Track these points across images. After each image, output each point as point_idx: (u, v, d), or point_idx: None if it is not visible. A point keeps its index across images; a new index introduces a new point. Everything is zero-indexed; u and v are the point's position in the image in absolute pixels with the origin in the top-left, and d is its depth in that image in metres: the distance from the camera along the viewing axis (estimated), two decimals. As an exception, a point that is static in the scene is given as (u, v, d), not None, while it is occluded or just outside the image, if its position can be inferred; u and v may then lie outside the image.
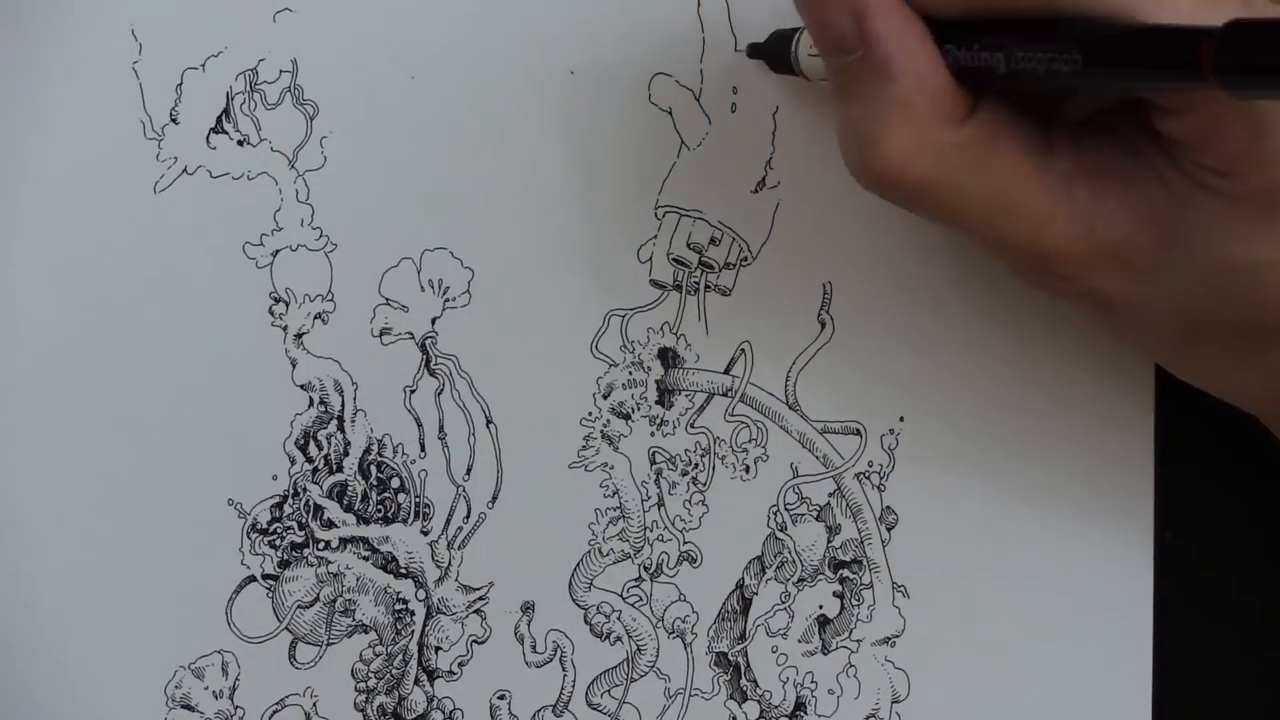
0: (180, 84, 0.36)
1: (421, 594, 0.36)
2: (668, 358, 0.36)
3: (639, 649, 0.36)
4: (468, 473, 0.36)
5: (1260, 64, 0.21)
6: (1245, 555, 0.36)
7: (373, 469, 0.36)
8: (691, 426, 0.36)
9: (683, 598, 0.36)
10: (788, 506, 0.36)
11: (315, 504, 0.36)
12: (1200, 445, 0.36)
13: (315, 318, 0.36)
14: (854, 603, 0.36)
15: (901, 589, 0.36)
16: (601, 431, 0.36)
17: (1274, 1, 0.26)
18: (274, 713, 0.36)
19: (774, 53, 0.34)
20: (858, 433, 0.36)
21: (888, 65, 0.26)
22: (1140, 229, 0.27)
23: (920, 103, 0.26)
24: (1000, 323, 0.36)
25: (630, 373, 0.36)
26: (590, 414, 0.36)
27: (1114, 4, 0.24)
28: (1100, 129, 0.28)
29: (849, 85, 0.27)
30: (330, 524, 0.36)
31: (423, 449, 0.36)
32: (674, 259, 0.36)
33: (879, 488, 0.36)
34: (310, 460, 0.36)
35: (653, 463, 0.36)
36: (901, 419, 0.36)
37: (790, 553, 0.36)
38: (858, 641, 0.36)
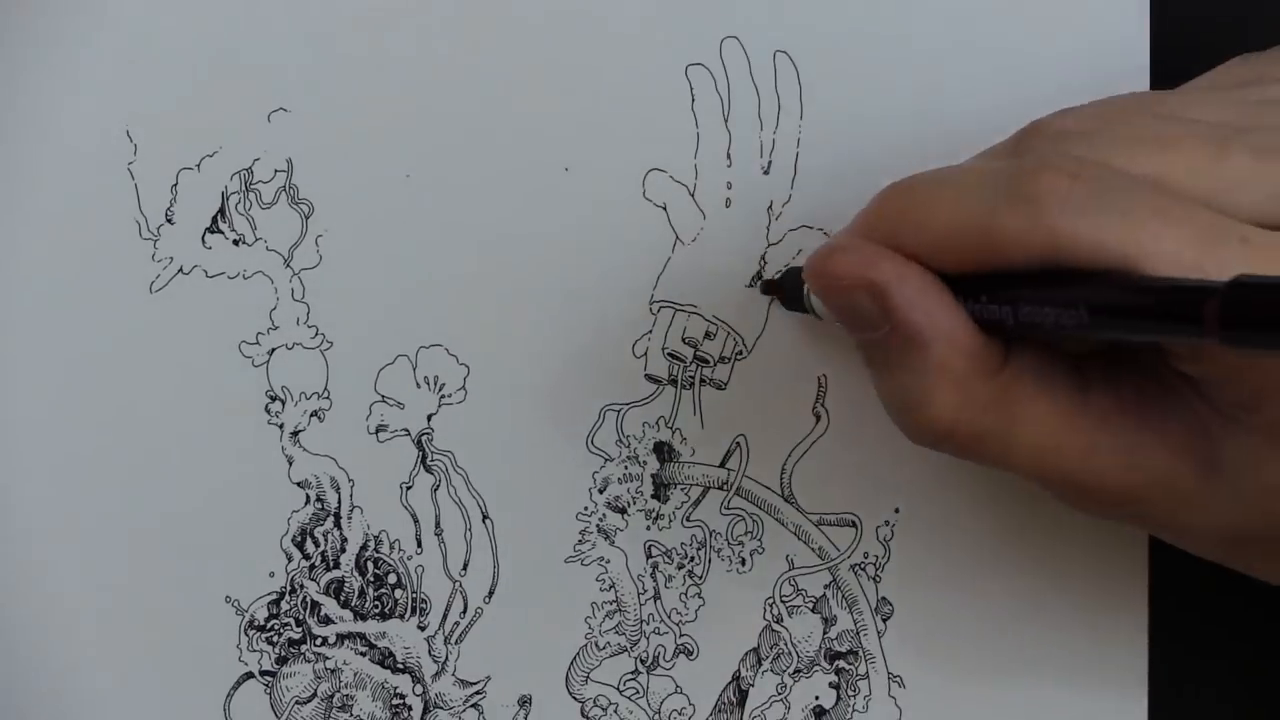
0: (175, 184, 0.36)
1: (419, 689, 0.36)
2: (663, 452, 0.36)
3: (636, 742, 0.36)
4: (464, 568, 0.36)
5: (1264, 323, 0.21)
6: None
7: (369, 565, 0.36)
8: (687, 520, 0.36)
9: (679, 690, 0.36)
10: (784, 598, 0.36)
11: (312, 600, 0.36)
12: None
13: (311, 415, 0.36)
14: (850, 693, 0.36)
15: (897, 679, 0.36)
16: (598, 526, 0.36)
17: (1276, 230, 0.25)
18: (273, 809, 0.36)
19: (788, 291, 0.34)
20: (853, 525, 0.36)
21: (920, 335, 0.26)
22: (1179, 459, 0.27)
23: (958, 363, 0.26)
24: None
25: (626, 467, 0.36)
26: (586, 508, 0.36)
27: (1113, 256, 0.24)
28: (1132, 363, 0.28)
29: (883, 357, 0.27)
30: (327, 620, 0.36)
31: (419, 545, 0.36)
32: (669, 354, 0.36)
33: (874, 579, 0.36)
34: (307, 557, 0.36)
35: (649, 556, 0.36)
36: (897, 510, 0.36)
37: (786, 644, 0.36)
38: (854, 734, 0.36)
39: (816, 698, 0.36)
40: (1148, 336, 0.25)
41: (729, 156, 0.36)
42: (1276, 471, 0.26)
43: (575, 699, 0.36)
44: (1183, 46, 0.36)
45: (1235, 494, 0.27)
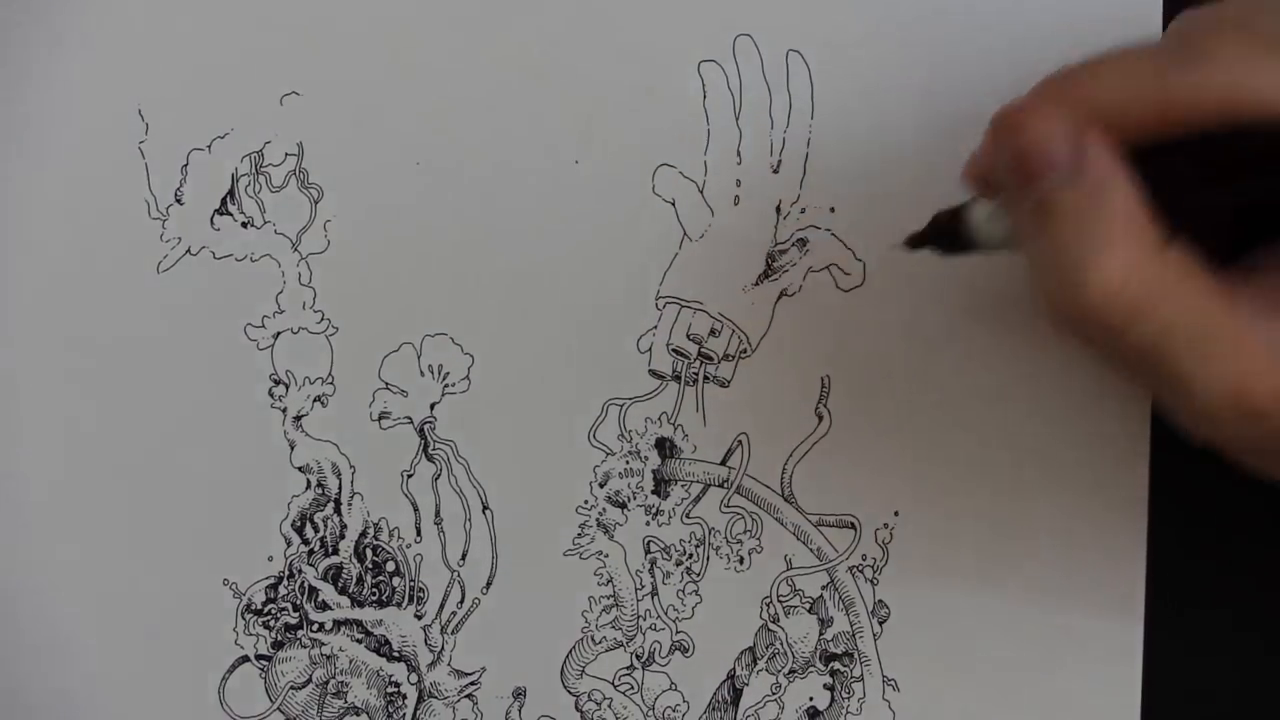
0: (186, 165, 0.36)
1: (414, 678, 0.36)
2: (665, 448, 0.36)
3: (629, 737, 0.36)
4: (463, 558, 0.36)
5: None
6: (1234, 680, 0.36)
7: (368, 552, 0.36)
8: (687, 516, 0.36)
9: (674, 687, 0.36)
10: (781, 598, 0.36)
11: (310, 586, 0.36)
12: (1194, 544, 0.36)
13: (315, 400, 0.36)
14: (844, 695, 0.36)
15: (892, 682, 0.36)
16: (597, 520, 0.36)
17: None
18: (264, 793, 0.36)
19: (942, 234, 0.31)
20: (852, 526, 0.36)
21: (1106, 186, 0.26)
22: None
23: (1139, 217, 0.26)
24: (997, 421, 0.36)
25: (627, 462, 0.36)
26: (586, 502, 0.36)
27: None
28: (1268, 265, 0.27)
29: (1060, 206, 0.26)
30: (325, 606, 0.36)
31: (419, 533, 0.36)
32: (673, 349, 0.36)
33: (872, 581, 0.36)
34: (306, 542, 0.36)
35: (647, 552, 0.36)
36: (896, 514, 0.36)
37: (782, 644, 0.36)
38: (847, 735, 0.36)
39: (811, 699, 0.36)
40: None
41: (739, 154, 0.36)
42: None
43: (570, 692, 0.36)
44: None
45: None
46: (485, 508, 0.36)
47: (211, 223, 0.36)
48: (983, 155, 0.29)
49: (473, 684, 0.36)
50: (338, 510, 0.36)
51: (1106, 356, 0.27)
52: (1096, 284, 0.26)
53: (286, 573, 0.36)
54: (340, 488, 0.36)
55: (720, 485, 0.36)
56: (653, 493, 0.36)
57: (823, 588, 0.36)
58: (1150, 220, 0.26)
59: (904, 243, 0.32)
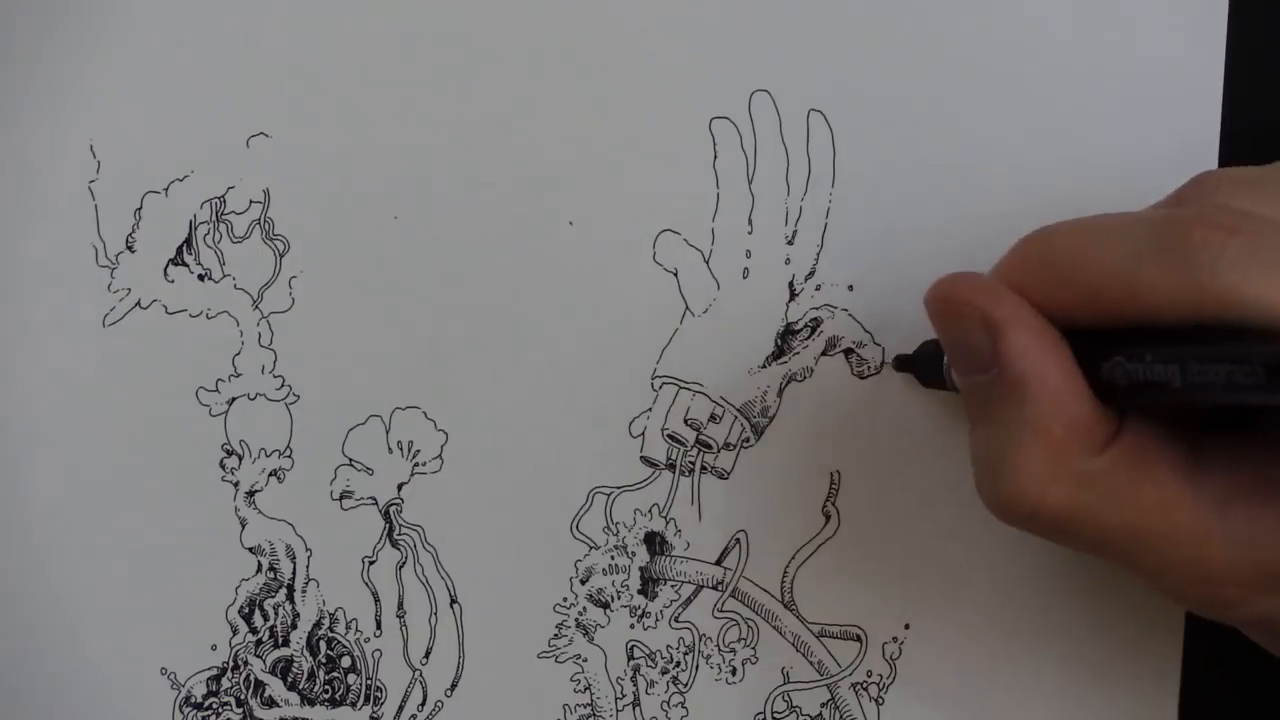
0: (140, 208, 0.34)
1: (367, 785, 0.33)
2: (655, 543, 0.34)
3: None
4: (426, 656, 0.34)
5: None
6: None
7: (322, 645, 0.34)
8: (676, 621, 0.34)
9: (654, 807, 0.33)
10: (776, 715, 0.34)
11: (256, 680, 0.34)
12: (1227, 686, 0.33)
13: (270, 475, 0.34)
14: (842, 824, 0.33)
15: (895, 812, 0.33)
16: (576, 620, 0.33)
17: None
18: None
19: (924, 365, 0.32)
20: (858, 638, 0.33)
21: (1022, 386, 0.25)
22: None
23: (1057, 428, 0.25)
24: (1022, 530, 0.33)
25: (612, 557, 0.33)
26: (565, 600, 0.33)
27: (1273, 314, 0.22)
28: (1249, 438, 0.26)
29: (982, 405, 0.26)
30: (271, 703, 0.34)
31: (379, 627, 0.34)
32: (669, 435, 0.33)
33: (877, 700, 0.33)
34: (254, 631, 0.34)
35: (630, 658, 0.34)
36: (907, 626, 0.33)
37: (775, 764, 0.33)
38: None
39: (804, 826, 0.33)
40: None
41: (750, 222, 0.33)
42: None
43: (538, 808, 0.33)
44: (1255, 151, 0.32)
45: None
46: (453, 601, 0.33)
47: (165, 274, 0.34)
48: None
49: (431, 795, 0.33)
50: (290, 597, 0.33)
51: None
52: (1007, 491, 0.25)
53: (231, 664, 0.34)
54: (294, 572, 0.33)
55: (714, 587, 0.33)
56: (639, 592, 0.34)
57: (822, 705, 0.33)
58: (1086, 418, 0.25)
59: (892, 360, 0.32)
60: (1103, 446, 0.25)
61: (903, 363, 0.32)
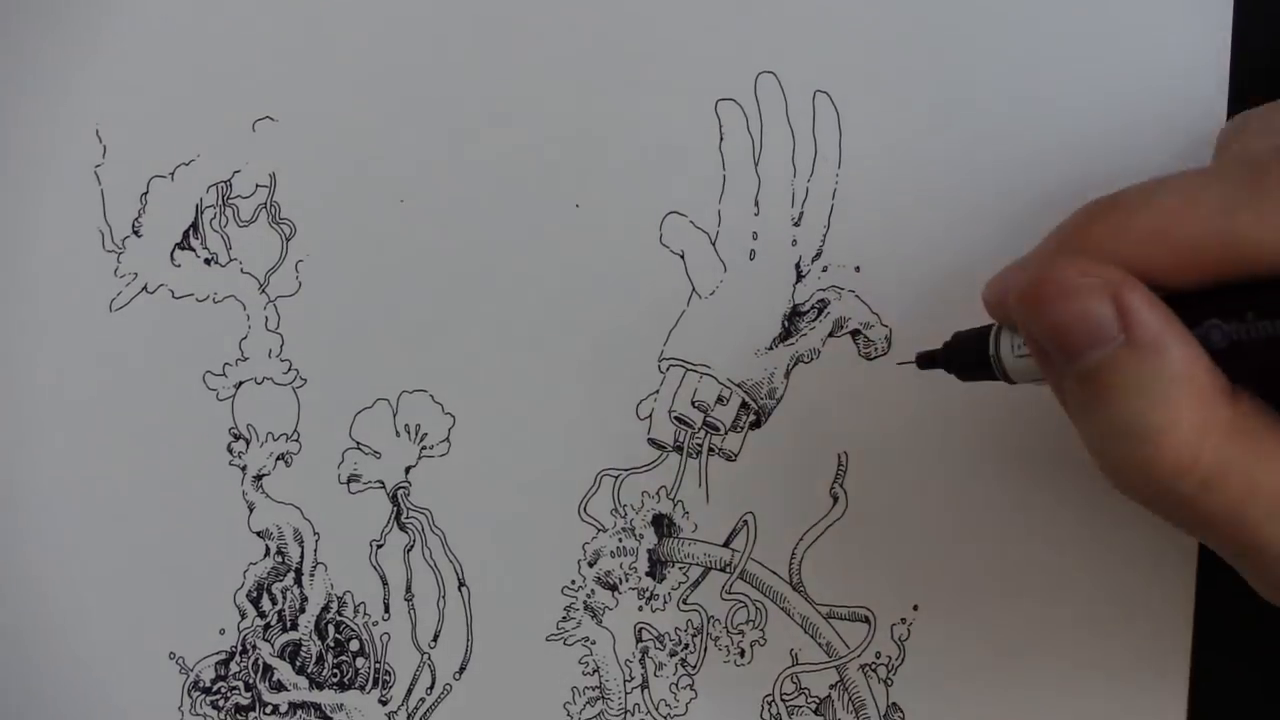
0: (146, 193, 0.34)
1: (376, 769, 0.33)
2: (662, 525, 0.33)
3: (611, 844, 0.33)
4: (434, 639, 0.33)
5: None
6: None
7: (330, 629, 0.34)
8: (684, 603, 0.33)
9: (663, 789, 0.33)
10: (784, 697, 0.33)
11: (265, 664, 0.34)
12: (1238, 646, 0.33)
13: (278, 459, 0.34)
14: (851, 805, 0.33)
15: (904, 793, 0.33)
16: (585, 602, 0.33)
17: None
18: None
19: (964, 359, 0.28)
20: (866, 620, 0.33)
21: (1160, 340, 0.23)
22: None
23: (1202, 374, 0.23)
24: (1032, 511, 0.33)
25: (620, 539, 0.33)
26: (573, 582, 0.33)
27: None
28: None
29: (1112, 379, 0.24)
30: (280, 686, 0.34)
31: (387, 610, 0.34)
32: (676, 417, 0.33)
33: (885, 682, 0.33)
34: (263, 615, 0.34)
35: (639, 640, 0.33)
36: (915, 608, 0.33)
37: (784, 746, 0.33)
38: None
39: (813, 807, 0.33)
40: None
41: (757, 204, 0.33)
42: None
43: (547, 791, 0.33)
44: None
45: None
46: (461, 584, 0.33)
47: (172, 258, 0.34)
48: (1009, 289, 0.26)
49: (440, 778, 0.33)
50: (298, 581, 0.33)
51: (1174, 523, 0.25)
52: (1167, 460, 0.24)
53: (239, 648, 0.34)
54: (302, 556, 0.33)
55: (722, 569, 0.33)
56: (647, 574, 0.33)
57: (831, 687, 0.33)
58: (1214, 374, 0.24)
59: (915, 359, 0.29)
60: (1233, 396, 0.24)
61: (928, 360, 0.29)
